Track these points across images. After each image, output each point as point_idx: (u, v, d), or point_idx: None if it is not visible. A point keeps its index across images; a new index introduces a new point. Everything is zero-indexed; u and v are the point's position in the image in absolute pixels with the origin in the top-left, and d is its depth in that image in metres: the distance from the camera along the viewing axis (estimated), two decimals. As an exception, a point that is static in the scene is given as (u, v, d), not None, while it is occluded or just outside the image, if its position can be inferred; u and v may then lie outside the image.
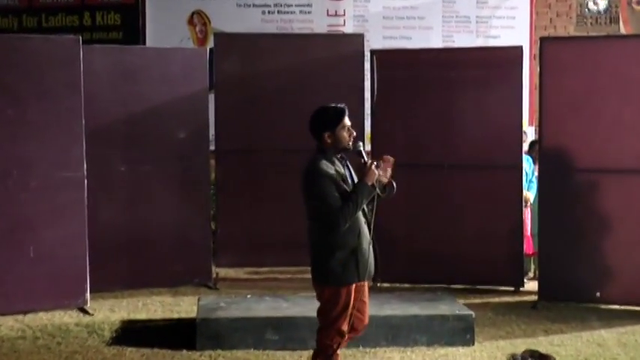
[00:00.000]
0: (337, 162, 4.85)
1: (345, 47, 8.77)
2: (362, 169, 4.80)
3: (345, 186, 4.78)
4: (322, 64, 8.67)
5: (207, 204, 8.59)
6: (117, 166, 8.16)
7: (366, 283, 5.00)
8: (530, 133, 10.62)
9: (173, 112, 8.31)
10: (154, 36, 10.76)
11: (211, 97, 8.61)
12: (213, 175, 8.83)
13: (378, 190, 4.80)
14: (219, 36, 9.03)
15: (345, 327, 4.87)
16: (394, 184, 4.91)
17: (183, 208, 8.38)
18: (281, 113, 8.56)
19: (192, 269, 8.46)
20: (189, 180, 8.45)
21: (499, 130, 8.27)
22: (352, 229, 4.78)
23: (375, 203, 4.85)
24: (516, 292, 8.30)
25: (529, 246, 8.69)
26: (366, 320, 5.08)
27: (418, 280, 8.41)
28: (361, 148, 4.89)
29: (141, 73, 8.21)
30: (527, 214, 8.69)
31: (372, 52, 8.66)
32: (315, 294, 4.95)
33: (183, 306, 7.70)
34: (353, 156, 4.93)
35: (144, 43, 10.75)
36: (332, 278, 4.81)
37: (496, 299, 8.10)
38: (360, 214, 4.83)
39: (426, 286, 8.22)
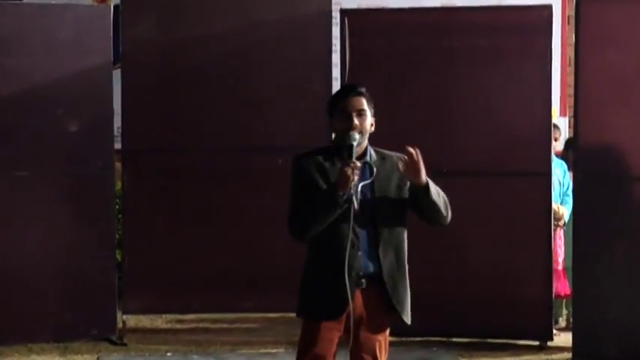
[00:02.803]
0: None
1: (306, 7, 8.81)
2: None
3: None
4: (273, 30, 8.70)
5: (110, 225, 8.58)
6: (-20, 171, 8.13)
7: (378, 337, 4.97)
8: (562, 126, 10.69)
9: (62, 96, 8.30)
10: (35, -13, 10.70)
11: (117, 75, 8.60)
12: (118, 185, 8.82)
13: (355, 201, 4.84)
14: (128, -11, 9.03)
15: None
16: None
17: (75, 232, 8.36)
18: (214, 99, 8.60)
19: (89, 317, 8.43)
20: (85, 191, 8.43)
21: (519, 122, 8.33)
22: (323, 244, 4.87)
23: (352, 217, 4.84)
24: (543, 348, 8.36)
25: (561, 284, 8.75)
26: None
27: (408, 331, 8.41)
28: (354, 143, 4.97)
29: (15, 39, 8.20)
30: (559, 241, 8.77)
31: (343, 12, 8.70)
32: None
33: (75, 369, 7.68)
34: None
35: (20, -4, 10.72)
36: (298, 304, 4.99)
37: (514, 358, 8.15)
38: (345, 227, 4.82)
39: (418, 339, 8.28)
